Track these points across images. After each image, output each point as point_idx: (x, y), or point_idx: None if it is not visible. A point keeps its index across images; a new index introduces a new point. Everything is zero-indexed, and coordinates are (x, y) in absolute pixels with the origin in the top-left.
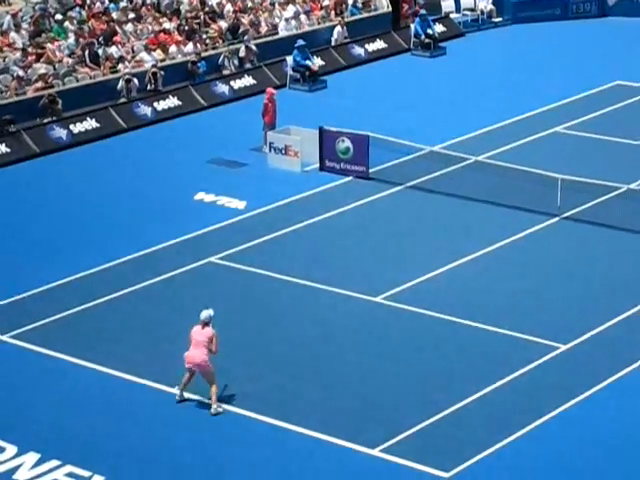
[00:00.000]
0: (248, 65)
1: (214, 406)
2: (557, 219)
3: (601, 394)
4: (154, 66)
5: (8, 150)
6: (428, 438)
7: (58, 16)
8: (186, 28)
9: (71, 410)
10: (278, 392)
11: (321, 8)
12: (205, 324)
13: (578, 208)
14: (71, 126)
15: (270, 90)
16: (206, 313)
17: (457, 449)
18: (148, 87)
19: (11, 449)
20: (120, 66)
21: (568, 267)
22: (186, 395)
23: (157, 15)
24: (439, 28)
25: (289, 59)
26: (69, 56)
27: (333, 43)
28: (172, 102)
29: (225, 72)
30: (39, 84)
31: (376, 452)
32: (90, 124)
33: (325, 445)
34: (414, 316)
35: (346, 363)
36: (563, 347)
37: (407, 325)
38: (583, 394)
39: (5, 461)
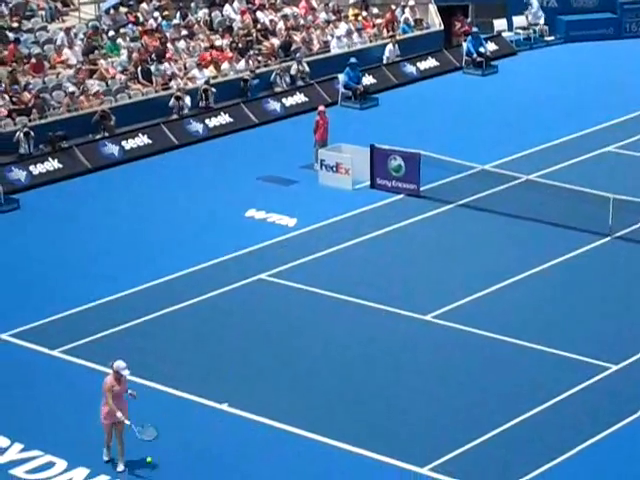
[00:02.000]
0: (300, 82)
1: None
2: (608, 239)
3: None
4: (206, 83)
5: (60, 166)
6: (476, 458)
7: (111, 33)
8: (239, 45)
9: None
10: (326, 410)
11: (373, 26)
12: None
13: (630, 228)
14: (123, 142)
15: (321, 108)
16: (116, 363)
17: (505, 470)
18: (200, 104)
19: (61, 464)
20: (172, 83)
21: (619, 287)
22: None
23: (209, 32)
24: (491, 46)
25: (341, 77)
26: (122, 73)
27: (385, 61)
28: (223, 119)
29: (277, 89)
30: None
31: (425, 471)
32: (142, 140)
33: (374, 464)
34: (463, 335)
35: (395, 382)
36: (614, 367)
37: (456, 344)
38: (634, 415)
39: (55, 476)
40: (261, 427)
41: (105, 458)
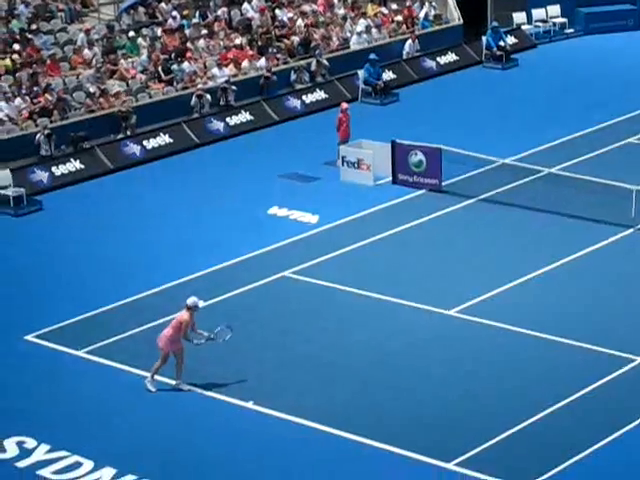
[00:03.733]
0: (320, 79)
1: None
2: (632, 230)
3: None
4: (226, 81)
5: (82, 166)
6: (503, 452)
7: (131, 33)
8: (258, 43)
9: (146, 425)
10: (353, 406)
11: (392, 22)
12: (187, 308)
13: None
14: (144, 142)
15: (344, 105)
16: (190, 300)
17: (532, 463)
18: (220, 102)
19: (88, 464)
20: (198, 81)
21: None
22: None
23: (229, 31)
24: (511, 40)
25: (360, 73)
26: (142, 72)
27: (405, 56)
28: (244, 117)
29: (297, 86)
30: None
31: (451, 466)
32: (163, 140)
33: (400, 458)
34: (488, 329)
35: (420, 376)
36: (638, 359)
37: (480, 338)
38: None
39: (82, 476)
40: (287, 425)
41: (152, 389)
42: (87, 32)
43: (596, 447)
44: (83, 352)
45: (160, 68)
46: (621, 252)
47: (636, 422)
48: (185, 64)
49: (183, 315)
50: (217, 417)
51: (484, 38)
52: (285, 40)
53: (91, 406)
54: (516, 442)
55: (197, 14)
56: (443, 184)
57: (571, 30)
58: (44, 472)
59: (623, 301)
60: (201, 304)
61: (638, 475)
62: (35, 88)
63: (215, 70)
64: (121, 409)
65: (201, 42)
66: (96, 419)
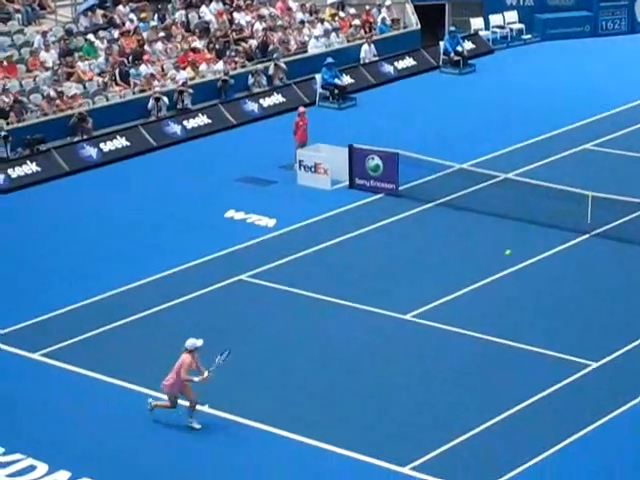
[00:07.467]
0: (277, 83)
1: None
2: (587, 236)
3: (634, 412)
4: (183, 84)
5: (39, 169)
6: (458, 456)
7: (88, 35)
8: (216, 46)
9: (104, 429)
10: (304, 409)
11: (350, 26)
12: (187, 351)
13: (609, 225)
14: (101, 145)
15: (301, 109)
16: (189, 342)
17: (487, 468)
18: (177, 105)
19: (42, 467)
20: (155, 83)
21: (599, 284)
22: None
23: (186, 34)
24: (468, 45)
25: (318, 77)
26: (99, 75)
27: (361, 61)
28: (202, 120)
29: (255, 90)
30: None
31: (406, 470)
32: (120, 142)
33: (353, 463)
34: (443, 334)
35: (374, 381)
36: (594, 365)
37: (436, 343)
38: (613, 412)
39: (37, 479)
40: (241, 428)
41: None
42: (44, 34)
43: (549, 453)
44: (38, 355)
45: (117, 71)
46: (578, 257)
47: (589, 428)
48: (142, 67)
49: (184, 359)
50: (171, 419)
51: (442, 43)
52: (243, 43)
53: (45, 409)
54: (470, 447)
55: (155, 17)
56: (400, 188)
57: (528, 36)
58: None
59: (579, 305)
60: (199, 343)
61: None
62: None
63: (173, 73)
64: (75, 412)
65: (159, 45)
66: (50, 422)
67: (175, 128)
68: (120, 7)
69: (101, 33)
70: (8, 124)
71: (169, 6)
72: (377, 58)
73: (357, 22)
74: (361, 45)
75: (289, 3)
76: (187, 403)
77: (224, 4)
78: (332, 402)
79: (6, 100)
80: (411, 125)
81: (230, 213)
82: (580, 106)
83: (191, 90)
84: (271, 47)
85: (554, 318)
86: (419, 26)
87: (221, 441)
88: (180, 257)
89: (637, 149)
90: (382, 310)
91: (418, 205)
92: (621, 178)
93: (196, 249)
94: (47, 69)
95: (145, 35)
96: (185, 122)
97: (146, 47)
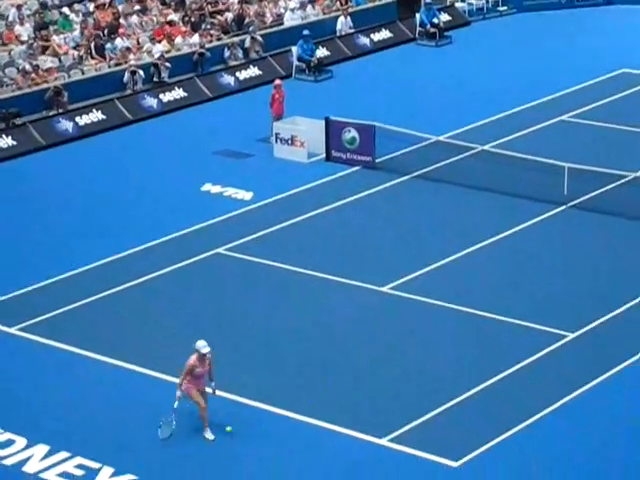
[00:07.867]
0: (254, 56)
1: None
2: (564, 207)
3: (610, 383)
4: (159, 58)
5: (14, 143)
6: (436, 428)
7: (63, 9)
8: (192, 19)
9: (79, 402)
10: (284, 382)
11: None
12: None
13: (585, 196)
14: (77, 118)
15: (278, 81)
16: (198, 343)
17: (466, 439)
18: (154, 79)
19: (21, 441)
20: (130, 57)
21: (575, 255)
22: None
23: (162, 7)
24: (444, 17)
25: (294, 49)
26: (74, 48)
27: (338, 33)
28: (178, 94)
29: (231, 63)
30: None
31: (384, 442)
32: (96, 116)
33: (333, 435)
34: (421, 306)
35: (352, 353)
36: (571, 335)
37: (413, 315)
38: (591, 382)
39: (15, 453)
40: (219, 401)
41: (209, 437)
42: (19, 8)
43: (527, 423)
44: (14, 329)
45: (93, 44)
46: (554, 228)
47: (566, 397)
48: (118, 40)
49: (189, 359)
50: (148, 395)
51: (418, 15)
52: (219, 16)
53: (23, 383)
54: (449, 418)
55: None
56: (377, 161)
57: (504, 8)
58: None
59: (556, 277)
60: (204, 350)
61: (567, 450)
62: None
63: (149, 46)
64: (53, 386)
65: (134, 18)
66: (28, 396)
67: (151, 101)
68: None
69: (76, 6)
70: None
71: None
72: (353, 30)
73: None
74: (337, 17)
75: None
76: (199, 410)
77: None
78: (310, 374)
79: None
80: (387, 97)
81: (207, 186)
82: (556, 78)
83: (168, 64)
84: (247, 20)
85: (531, 289)
86: None
87: (193, 413)
88: (156, 231)
89: (613, 121)
90: (360, 282)
91: (395, 177)
92: (597, 150)
93: (173, 223)
94: (22, 43)
95: (120, 8)
96: (161, 95)
97: (122, 20)
